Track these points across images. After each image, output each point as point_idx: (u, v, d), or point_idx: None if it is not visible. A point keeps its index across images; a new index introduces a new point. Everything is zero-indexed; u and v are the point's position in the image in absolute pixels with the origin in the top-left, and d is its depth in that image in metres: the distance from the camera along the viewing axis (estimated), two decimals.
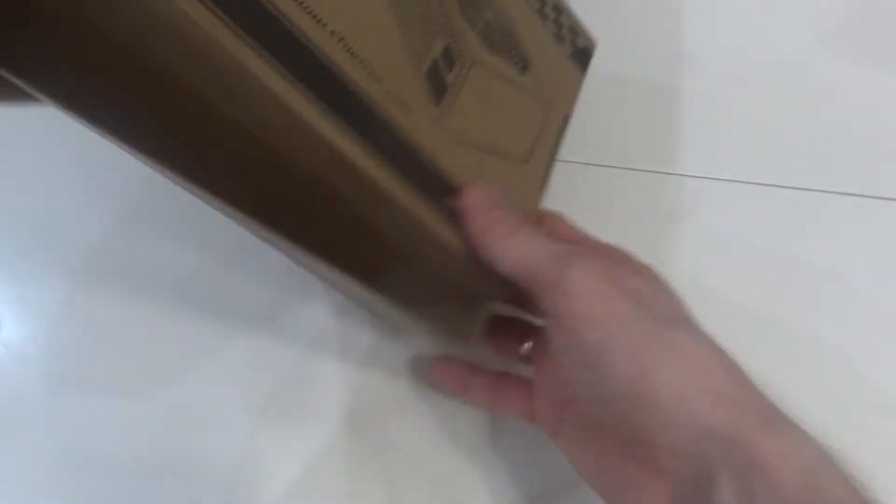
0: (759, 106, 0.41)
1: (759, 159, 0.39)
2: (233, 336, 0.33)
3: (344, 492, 0.30)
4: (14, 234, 0.35)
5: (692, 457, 0.20)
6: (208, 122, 0.21)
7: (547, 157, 0.30)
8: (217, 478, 0.30)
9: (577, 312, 0.22)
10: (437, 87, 0.26)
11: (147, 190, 0.36)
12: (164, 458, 0.30)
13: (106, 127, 0.21)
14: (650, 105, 0.41)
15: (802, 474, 0.18)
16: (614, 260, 0.26)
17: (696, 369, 0.21)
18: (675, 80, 0.42)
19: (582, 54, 0.34)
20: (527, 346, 0.30)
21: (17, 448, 0.30)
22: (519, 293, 0.25)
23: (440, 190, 0.25)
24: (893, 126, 0.40)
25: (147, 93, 0.21)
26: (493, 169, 0.27)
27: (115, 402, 0.31)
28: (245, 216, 0.24)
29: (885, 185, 0.38)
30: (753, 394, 0.21)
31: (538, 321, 0.30)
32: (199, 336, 0.33)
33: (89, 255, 0.35)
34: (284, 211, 0.24)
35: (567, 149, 0.33)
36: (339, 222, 0.25)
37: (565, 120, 0.32)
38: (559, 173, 0.32)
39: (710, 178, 0.38)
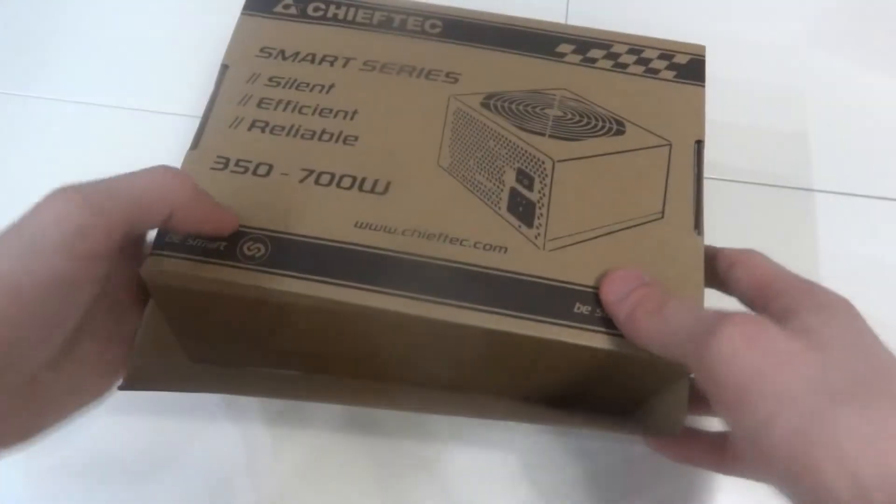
0: None
1: None
2: None
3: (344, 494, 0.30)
4: None
5: None
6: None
7: (689, 193, 0.28)
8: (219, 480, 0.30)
9: (725, 399, 0.19)
10: (524, 212, 0.27)
11: None
12: (163, 460, 0.31)
13: None
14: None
15: None
16: (786, 311, 0.21)
17: (870, 452, 0.17)
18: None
19: (689, 69, 0.31)
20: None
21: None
22: None
23: (573, 302, 0.25)
24: None
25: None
26: (627, 245, 0.26)
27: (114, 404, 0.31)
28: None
29: None
30: None
31: None
32: None
33: None
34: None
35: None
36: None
37: (699, 145, 0.29)
38: None
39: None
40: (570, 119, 0.29)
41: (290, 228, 0.26)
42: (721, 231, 0.30)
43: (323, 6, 0.32)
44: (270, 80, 0.30)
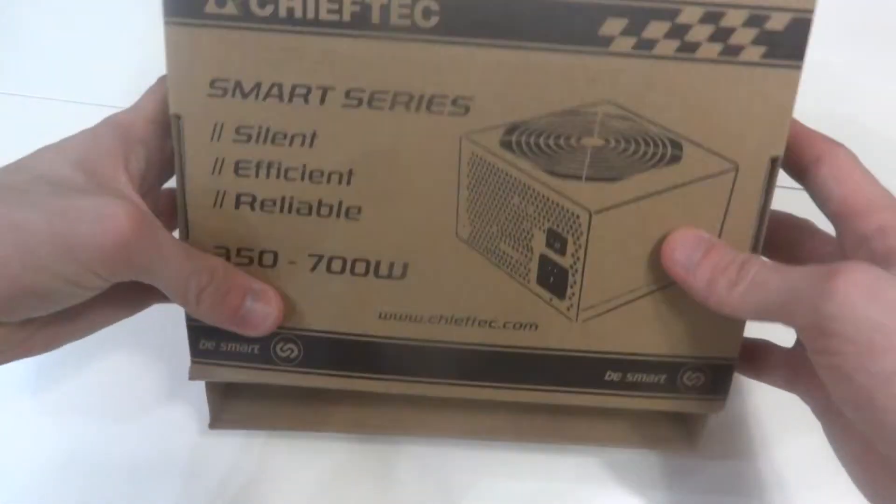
0: None
1: None
2: None
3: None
4: None
5: None
6: None
7: (749, 231, 0.24)
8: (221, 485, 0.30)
9: (845, 353, 0.19)
10: (556, 283, 0.25)
11: None
12: (165, 464, 0.31)
13: None
14: None
15: None
16: (891, 253, 0.21)
17: None
18: None
19: (786, 40, 0.22)
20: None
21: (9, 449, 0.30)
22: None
23: (604, 371, 0.26)
24: None
25: None
26: (666, 306, 0.25)
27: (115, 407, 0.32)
28: None
29: None
30: None
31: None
32: None
33: None
34: None
35: None
36: None
37: (773, 164, 0.23)
38: None
39: None
40: (614, 149, 0.23)
41: (317, 325, 0.26)
42: None
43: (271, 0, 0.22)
44: (238, 132, 0.24)
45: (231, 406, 0.30)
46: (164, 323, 0.26)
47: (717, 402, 0.27)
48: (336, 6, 0.22)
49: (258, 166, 0.24)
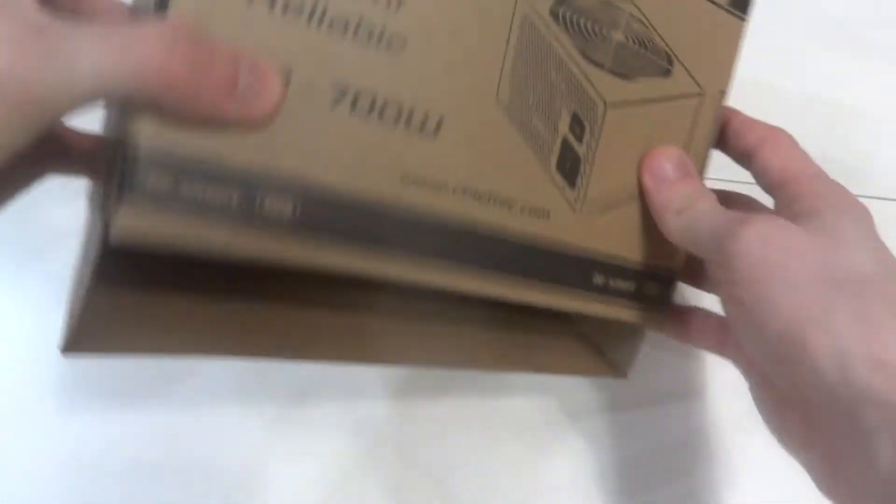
0: None
1: None
2: None
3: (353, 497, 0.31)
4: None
5: (849, 419, 0.20)
6: None
7: (705, 143, 0.28)
8: (224, 483, 0.31)
9: (739, 291, 0.22)
10: (570, 170, 0.25)
11: None
12: (170, 462, 0.31)
13: None
14: None
15: None
16: (809, 212, 0.24)
17: (860, 333, 0.20)
18: None
19: None
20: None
21: (23, 449, 0.30)
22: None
23: (592, 272, 0.26)
24: None
25: None
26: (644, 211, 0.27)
27: (122, 405, 0.31)
28: None
29: None
30: None
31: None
32: None
33: None
34: None
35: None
36: None
37: (722, 96, 0.28)
38: None
39: None
40: (630, 49, 0.25)
41: (324, 177, 0.20)
42: None
43: None
44: None
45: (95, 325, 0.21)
46: None
47: (659, 316, 0.29)
48: None
49: None
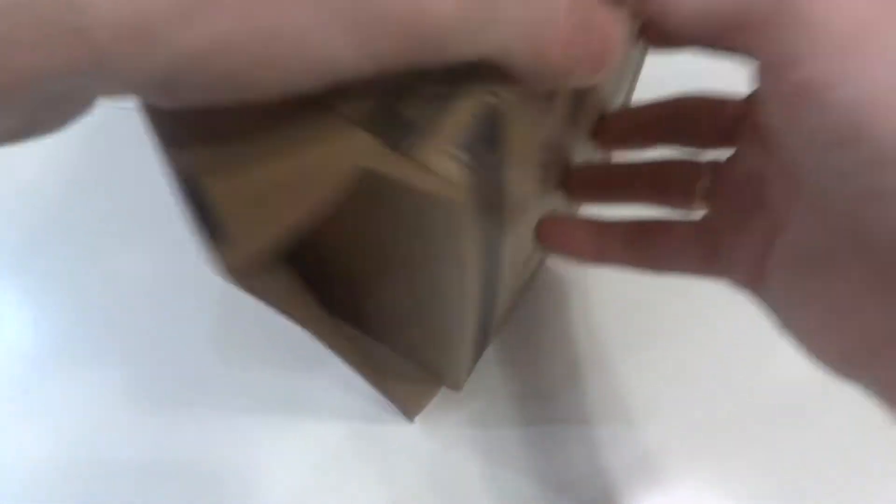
0: None
1: None
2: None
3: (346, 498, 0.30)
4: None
5: None
6: None
7: None
8: (219, 483, 0.30)
9: (821, 56, 0.14)
10: None
11: None
12: (166, 463, 0.30)
13: None
14: None
15: None
16: None
17: None
18: None
19: None
20: (702, 182, 0.21)
21: (22, 450, 0.30)
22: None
23: None
24: None
25: None
26: None
27: (122, 406, 0.31)
28: None
29: None
30: None
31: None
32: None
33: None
34: None
35: None
36: None
37: None
38: None
39: None
40: None
41: None
42: None
43: None
44: None
45: None
46: None
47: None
48: None
49: None
